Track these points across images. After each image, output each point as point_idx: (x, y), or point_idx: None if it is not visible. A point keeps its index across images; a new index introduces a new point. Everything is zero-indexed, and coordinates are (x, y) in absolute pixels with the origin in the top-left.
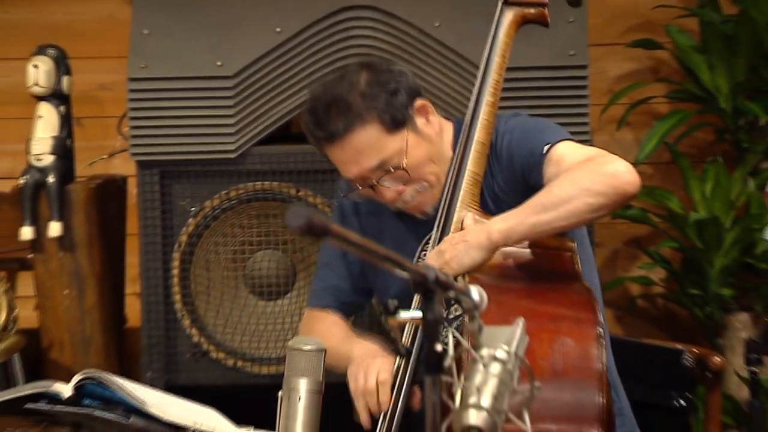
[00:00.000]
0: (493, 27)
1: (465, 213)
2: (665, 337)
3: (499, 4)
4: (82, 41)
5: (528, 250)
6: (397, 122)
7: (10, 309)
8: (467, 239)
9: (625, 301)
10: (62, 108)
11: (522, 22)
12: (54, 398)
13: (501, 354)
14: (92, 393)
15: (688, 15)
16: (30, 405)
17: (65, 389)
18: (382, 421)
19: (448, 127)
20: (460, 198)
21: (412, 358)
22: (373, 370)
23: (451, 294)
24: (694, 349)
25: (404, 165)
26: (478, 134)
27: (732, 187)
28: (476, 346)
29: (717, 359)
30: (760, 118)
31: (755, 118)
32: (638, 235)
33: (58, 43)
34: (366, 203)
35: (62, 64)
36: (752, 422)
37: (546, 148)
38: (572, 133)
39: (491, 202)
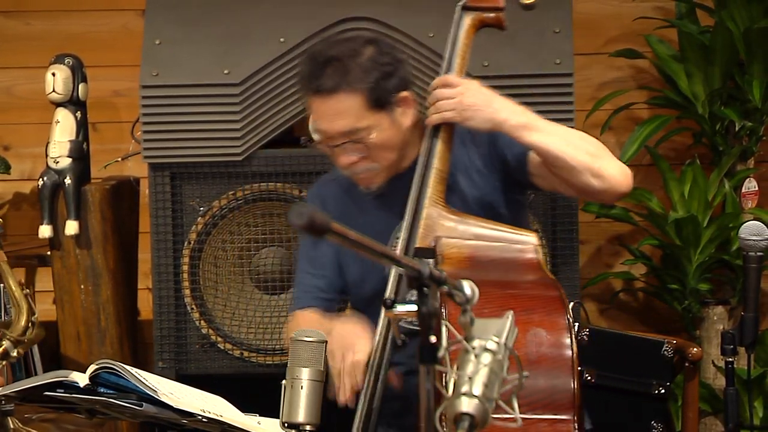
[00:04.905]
0: (453, 30)
1: (433, 210)
2: (646, 329)
3: (458, 8)
4: (98, 51)
5: (494, 244)
6: (379, 103)
7: (31, 312)
8: (493, 95)
9: (609, 296)
10: (79, 113)
11: (480, 26)
12: (71, 387)
13: (492, 345)
14: (107, 382)
15: (668, 26)
16: (48, 393)
17: (81, 378)
18: (361, 401)
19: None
20: (428, 195)
21: (386, 342)
22: (349, 351)
23: (445, 288)
24: (674, 341)
25: (368, 142)
26: (442, 134)
27: (709, 188)
28: (468, 338)
29: (695, 350)
30: (735, 123)
31: (731, 123)
32: (621, 233)
33: (75, 53)
34: (329, 195)
35: (79, 73)
36: (727, 409)
37: None
38: None
39: (464, 181)
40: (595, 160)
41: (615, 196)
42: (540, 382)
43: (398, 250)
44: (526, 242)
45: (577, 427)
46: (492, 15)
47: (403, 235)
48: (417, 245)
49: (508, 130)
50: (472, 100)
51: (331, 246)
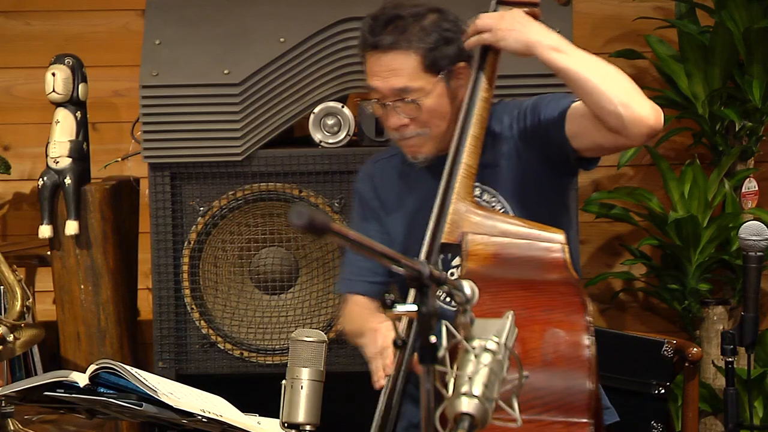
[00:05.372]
0: None
1: (461, 205)
2: (646, 330)
3: (493, 3)
4: (98, 51)
5: (520, 242)
6: (434, 67)
7: (25, 296)
8: (532, 22)
9: (609, 296)
10: (79, 114)
11: None
12: (71, 387)
13: (492, 345)
14: (107, 382)
15: (668, 26)
16: (48, 393)
17: (81, 378)
18: (381, 398)
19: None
20: (455, 190)
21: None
22: (380, 335)
23: (445, 288)
24: (673, 341)
25: (421, 102)
26: (473, 129)
27: (709, 188)
28: (468, 338)
29: (695, 350)
30: (735, 123)
31: (730, 123)
32: (621, 233)
33: (75, 53)
34: (380, 173)
35: (79, 73)
36: (727, 409)
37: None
38: None
39: (510, 171)
40: (625, 91)
41: (645, 131)
42: (556, 383)
43: (424, 245)
44: (552, 240)
45: (594, 430)
46: (527, 10)
47: (429, 230)
48: (443, 241)
49: (540, 52)
50: (509, 22)
51: (377, 226)
